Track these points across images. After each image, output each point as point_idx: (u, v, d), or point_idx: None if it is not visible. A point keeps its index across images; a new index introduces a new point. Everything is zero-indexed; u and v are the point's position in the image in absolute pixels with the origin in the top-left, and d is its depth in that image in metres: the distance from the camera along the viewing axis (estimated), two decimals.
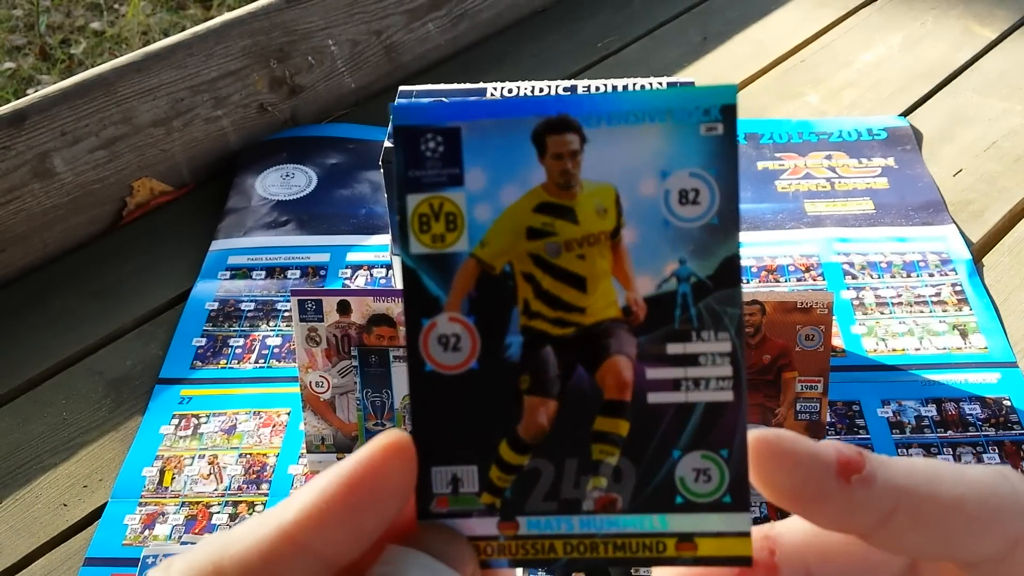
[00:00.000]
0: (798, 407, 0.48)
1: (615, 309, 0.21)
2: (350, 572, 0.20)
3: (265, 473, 0.53)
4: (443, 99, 0.50)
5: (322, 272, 0.66)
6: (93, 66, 0.73)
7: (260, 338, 0.61)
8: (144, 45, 0.75)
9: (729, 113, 0.21)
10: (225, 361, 0.60)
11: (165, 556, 0.49)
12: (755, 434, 0.21)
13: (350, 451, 0.52)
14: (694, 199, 0.21)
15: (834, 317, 0.59)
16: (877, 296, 0.61)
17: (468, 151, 0.21)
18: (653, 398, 0.21)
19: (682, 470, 0.21)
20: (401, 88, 0.55)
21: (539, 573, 0.47)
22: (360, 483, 0.20)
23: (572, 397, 0.22)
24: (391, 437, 0.21)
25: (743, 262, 0.63)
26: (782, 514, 0.49)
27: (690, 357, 0.21)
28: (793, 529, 0.23)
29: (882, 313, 0.60)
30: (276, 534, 0.20)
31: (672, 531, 0.22)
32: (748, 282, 0.63)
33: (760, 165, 0.72)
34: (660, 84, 0.53)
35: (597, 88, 0.54)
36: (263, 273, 0.66)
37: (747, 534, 0.21)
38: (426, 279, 0.21)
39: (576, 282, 0.21)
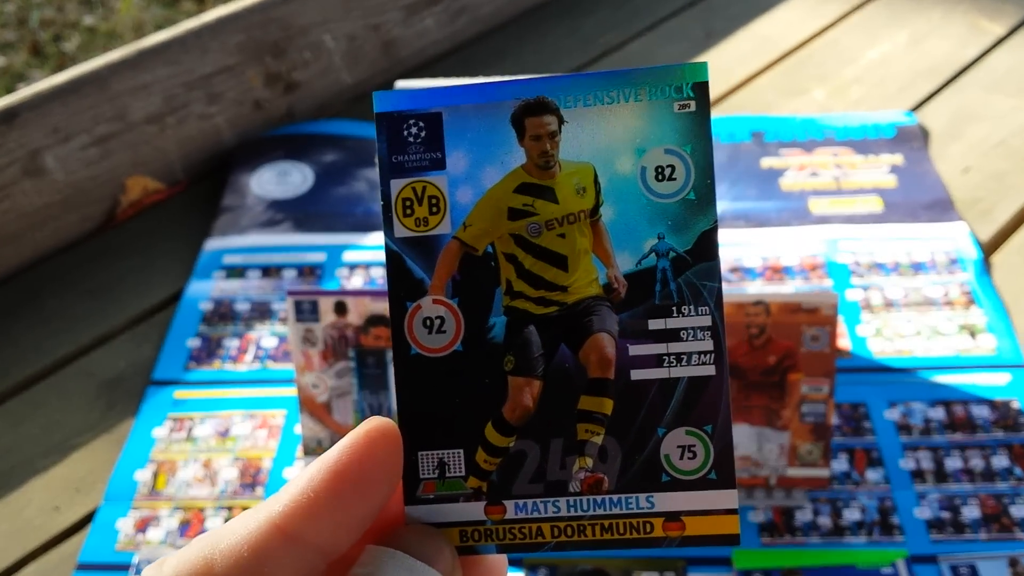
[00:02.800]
0: (804, 409, 0.48)
1: (596, 287, 0.22)
2: (342, 563, 0.20)
3: (260, 476, 0.52)
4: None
5: (318, 272, 0.65)
6: (86, 62, 0.71)
7: (255, 339, 0.60)
8: (137, 40, 0.74)
9: (701, 90, 0.21)
10: (220, 362, 0.59)
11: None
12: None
13: None
14: (670, 175, 0.21)
15: (840, 318, 0.58)
16: (884, 296, 0.60)
17: (449, 135, 0.22)
18: (636, 375, 0.22)
19: (667, 447, 0.22)
20: (398, 84, 0.54)
21: (539, 574, 0.46)
22: (346, 471, 0.20)
23: (556, 376, 0.22)
24: (375, 423, 0.21)
25: (748, 261, 0.63)
26: (786, 515, 0.48)
27: (672, 332, 0.22)
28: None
29: (889, 313, 0.59)
30: (265, 526, 0.20)
31: (659, 510, 0.22)
32: (753, 281, 0.62)
33: (765, 163, 0.71)
34: None
35: None
36: (258, 272, 0.65)
37: (734, 511, 0.21)
38: (410, 262, 0.22)
39: (557, 261, 0.22)
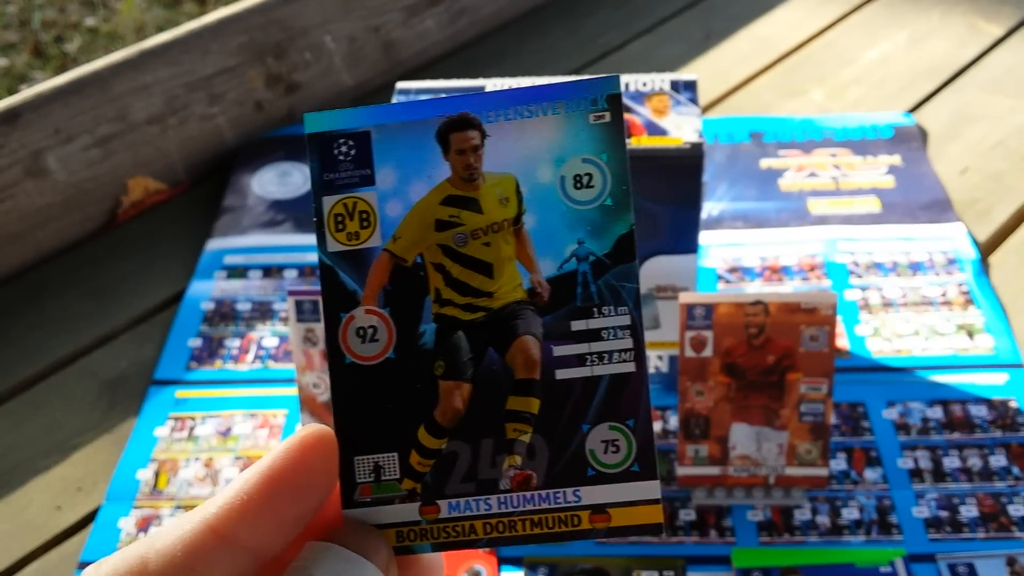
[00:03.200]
0: (802, 409, 0.48)
1: (521, 292, 0.23)
2: (278, 563, 0.21)
3: None
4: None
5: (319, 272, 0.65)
6: (87, 63, 0.72)
7: (256, 339, 0.61)
8: (139, 41, 0.74)
9: (615, 102, 0.22)
10: (221, 362, 0.59)
11: None
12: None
13: None
14: (588, 182, 0.22)
15: (839, 317, 0.58)
16: (882, 296, 0.61)
17: (378, 152, 0.23)
18: (561, 374, 0.23)
19: (592, 443, 0.23)
20: (398, 85, 0.55)
21: (539, 573, 0.46)
22: (279, 476, 0.21)
23: (485, 379, 0.23)
24: (311, 430, 0.22)
25: (747, 261, 0.63)
26: (784, 514, 0.49)
27: (593, 332, 0.23)
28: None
29: (887, 313, 0.59)
30: (200, 527, 0.21)
31: (586, 503, 0.23)
32: (752, 281, 0.62)
33: (764, 163, 0.72)
34: (663, 81, 0.53)
35: None
36: (259, 273, 0.65)
37: (657, 501, 0.23)
38: (343, 275, 0.23)
39: (483, 268, 0.23)
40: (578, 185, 0.22)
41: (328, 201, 0.23)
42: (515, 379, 0.23)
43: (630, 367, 0.23)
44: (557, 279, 0.23)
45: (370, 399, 0.23)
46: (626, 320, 0.23)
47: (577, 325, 0.23)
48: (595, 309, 0.23)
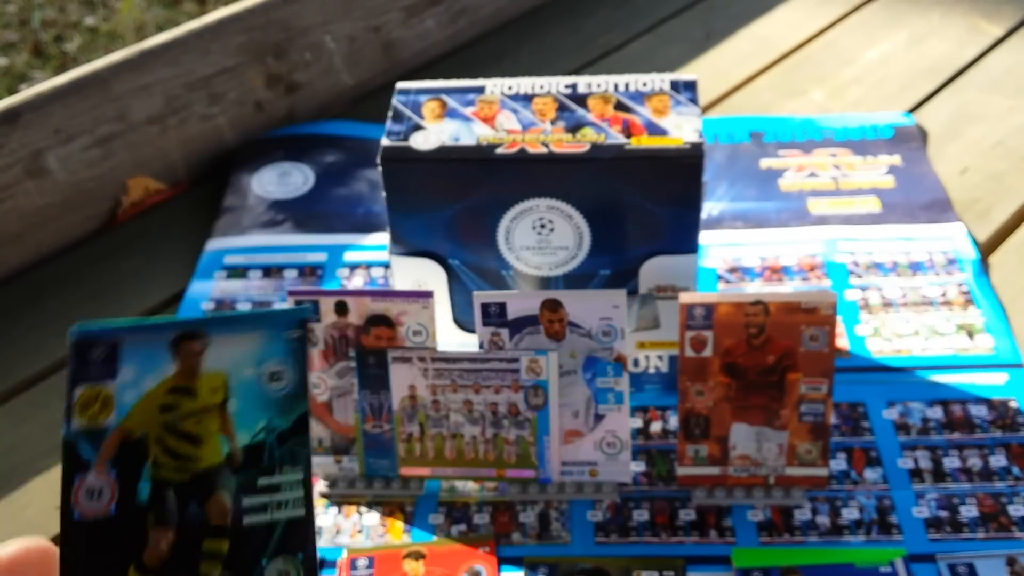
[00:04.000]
0: (802, 409, 0.48)
1: (221, 456, 0.30)
2: None
3: None
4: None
5: (319, 272, 0.65)
6: (87, 63, 0.72)
7: None
8: (139, 41, 0.74)
9: (303, 325, 0.31)
10: None
11: None
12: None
13: (347, 453, 0.52)
14: (279, 378, 0.30)
15: (839, 317, 0.58)
16: (882, 296, 0.61)
17: (124, 355, 0.30)
18: (248, 520, 0.29)
19: (269, 573, 0.29)
20: (399, 85, 0.55)
21: (539, 573, 0.46)
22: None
23: (187, 527, 0.29)
24: (39, 544, 0.28)
25: (747, 261, 0.64)
26: (784, 514, 0.48)
27: (274, 487, 0.30)
28: None
29: (887, 313, 0.59)
30: None
31: None
32: (752, 281, 0.62)
33: (763, 163, 0.72)
34: (663, 81, 0.53)
35: (599, 85, 0.53)
36: (259, 273, 0.65)
37: None
38: (82, 446, 0.29)
39: (193, 440, 0.30)
40: (272, 380, 0.30)
41: (78, 390, 0.30)
42: (211, 525, 0.29)
43: (300, 512, 0.29)
44: (250, 447, 0.30)
45: (91, 548, 0.29)
46: (299, 476, 0.30)
47: (262, 481, 0.30)
48: (277, 469, 0.30)
